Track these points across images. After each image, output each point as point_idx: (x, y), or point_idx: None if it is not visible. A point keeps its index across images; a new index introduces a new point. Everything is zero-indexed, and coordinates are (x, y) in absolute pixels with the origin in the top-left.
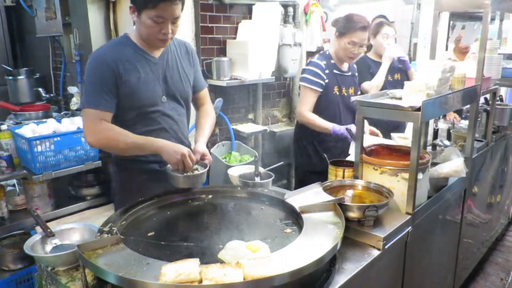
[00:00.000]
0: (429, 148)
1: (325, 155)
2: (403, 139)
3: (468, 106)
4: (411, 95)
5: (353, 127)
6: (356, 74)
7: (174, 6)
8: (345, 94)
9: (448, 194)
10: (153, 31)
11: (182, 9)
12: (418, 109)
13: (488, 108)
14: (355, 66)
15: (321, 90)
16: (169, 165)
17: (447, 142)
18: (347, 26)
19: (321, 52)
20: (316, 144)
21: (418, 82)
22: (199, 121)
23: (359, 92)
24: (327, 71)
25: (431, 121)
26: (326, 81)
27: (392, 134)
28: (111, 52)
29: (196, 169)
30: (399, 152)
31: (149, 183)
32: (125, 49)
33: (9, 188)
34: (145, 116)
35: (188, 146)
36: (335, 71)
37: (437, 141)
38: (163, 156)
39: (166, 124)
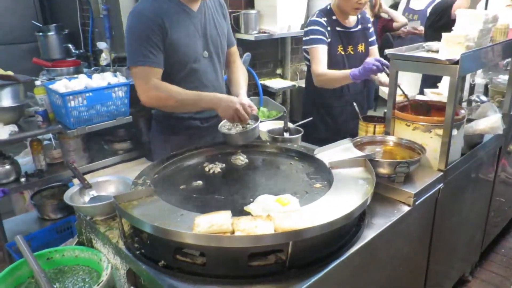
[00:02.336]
0: (464, 104)
1: (355, 104)
2: (436, 94)
3: (508, 59)
4: (449, 47)
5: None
6: (369, 25)
7: None
8: (352, 52)
9: (482, 151)
10: None
11: None
12: (456, 62)
13: None
14: (368, 16)
15: (326, 45)
16: (221, 125)
17: (484, 98)
18: None
19: (321, 8)
20: (323, 111)
21: (457, 33)
22: (234, 76)
23: (374, 46)
24: (329, 29)
25: (468, 76)
26: (329, 39)
27: (425, 90)
28: (153, 7)
29: (248, 123)
30: (433, 108)
31: (191, 140)
32: (166, 3)
33: (45, 142)
34: (187, 74)
35: None
36: (338, 28)
37: (473, 97)
38: (218, 111)
39: (208, 81)
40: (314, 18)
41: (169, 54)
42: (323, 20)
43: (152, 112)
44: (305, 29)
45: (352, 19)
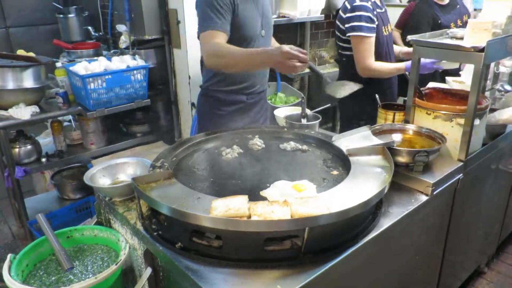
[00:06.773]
0: (487, 93)
1: (377, 96)
2: (458, 83)
3: None
4: (475, 34)
5: None
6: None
7: None
8: (386, 33)
9: (504, 142)
10: None
11: None
12: (482, 50)
13: None
14: None
15: (375, 34)
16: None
17: (508, 87)
18: None
19: None
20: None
21: (484, 20)
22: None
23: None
24: (375, 12)
25: (492, 64)
26: (376, 23)
27: (447, 78)
28: None
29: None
30: (454, 97)
31: (237, 115)
32: None
33: (66, 124)
34: None
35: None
36: (378, 10)
37: (498, 86)
38: (271, 63)
39: None
40: (360, 3)
41: (234, 30)
42: (369, 4)
43: (200, 87)
44: (352, 14)
45: (379, 0)
